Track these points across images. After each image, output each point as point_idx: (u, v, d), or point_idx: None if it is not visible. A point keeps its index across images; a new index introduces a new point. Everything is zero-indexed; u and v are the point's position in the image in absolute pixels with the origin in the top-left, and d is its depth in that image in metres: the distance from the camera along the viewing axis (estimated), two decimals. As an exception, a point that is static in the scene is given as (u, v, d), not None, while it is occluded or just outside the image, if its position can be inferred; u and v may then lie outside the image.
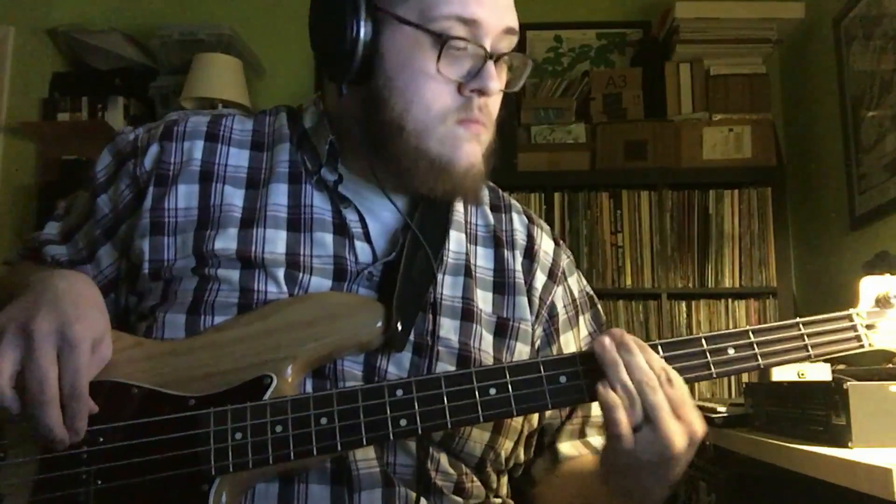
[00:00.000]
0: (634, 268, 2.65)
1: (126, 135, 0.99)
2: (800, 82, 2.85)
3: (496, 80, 0.88)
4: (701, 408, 1.79)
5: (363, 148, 0.92)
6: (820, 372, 1.36)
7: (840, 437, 1.14)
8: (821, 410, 1.21)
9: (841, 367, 1.39)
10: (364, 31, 0.87)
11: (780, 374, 1.42)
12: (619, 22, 3.13)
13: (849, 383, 1.13)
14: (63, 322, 0.77)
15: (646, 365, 0.80)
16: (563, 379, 0.83)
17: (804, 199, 2.72)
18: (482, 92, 0.87)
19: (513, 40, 0.91)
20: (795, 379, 1.38)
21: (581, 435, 1.03)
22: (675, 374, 0.81)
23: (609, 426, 0.79)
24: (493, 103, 0.91)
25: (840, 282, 2.36)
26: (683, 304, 2.62)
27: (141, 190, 0.94)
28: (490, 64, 0.87)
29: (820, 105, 2.64)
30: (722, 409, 1.66)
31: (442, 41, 0.85)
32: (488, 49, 0.87)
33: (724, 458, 1.83)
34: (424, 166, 0.88)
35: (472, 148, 0.89)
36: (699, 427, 0.80)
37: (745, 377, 2.50)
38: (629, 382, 0.79)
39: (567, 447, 1.02)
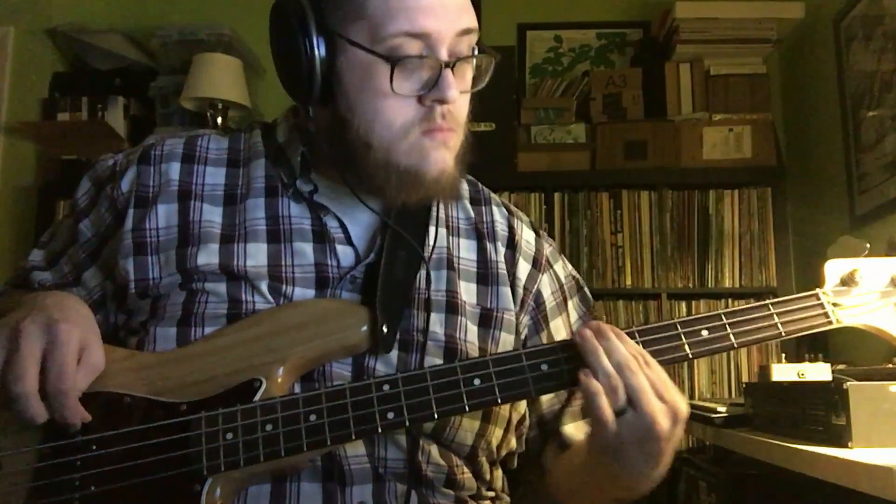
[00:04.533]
0: (634, 268, 2.65)
1: (105, 161, 1.02)
2: (800, 82, 2.85)
3: (455, 87, 0.87)
4: (701, 408, 1.80)
5: (335, 161, 0.93)
6: (820, 372, 1.37)
7: (840, 437, 1.14)
8: (821, 410, 1.21)
9: (841, 367, 1.39)
10: (319, 56, 0.87)
11: (780, 374, 1.42)
12: (619, 22, 3.13)
13: (849, 383, 1.13)
14: (49, 322, 0.80)
15: (623, 349, 0.81)
16: (544, 367, 0.85)
17: (804, 199, 2.72)
18: (442, 101, 0.87)
19: (472, 39, 0.90)
20: (795, 379, 1.38)
21: (585, 414, 1.04)
22: (650, 357, 0.83)
23: (592, 412, 0.80)
24: (460, 105, 0.91)
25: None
26: (683, 304, 2.62)
27: (119, 212, 0.96)
28: (447, 73, 0.86)
29: (820, 105, 2.64)
30: (722, 409, 1.66)
31: (392, 62, 0.85)
32: (444, 58, 0.87)
33: (724, 458, 1.83)
34: (396, 179, 0.89)
35: (440, 155, 0.89)
36: (682, 406, 0.81)
37: (745, 377, 2.51)
38: (610, 368, 0.80)
39: (571, 429, 1.03)
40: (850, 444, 1.12)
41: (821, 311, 0.92)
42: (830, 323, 0.92)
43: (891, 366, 1.38)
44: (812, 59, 2.73)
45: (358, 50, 0.86)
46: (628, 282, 2.64)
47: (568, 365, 0.84)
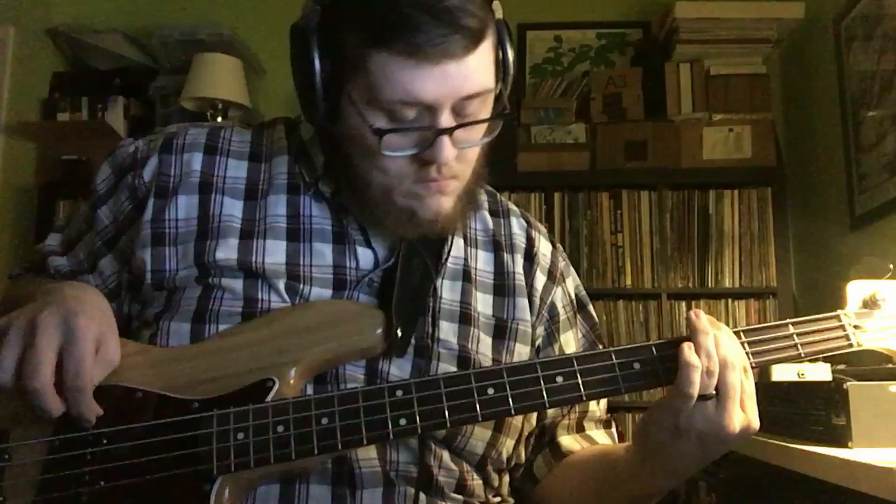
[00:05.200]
0: (634, 268, 2.65)
1: (126, 147, 1.00)
2: (800, 82, 2.85)
3: (448, 150, 0.83)
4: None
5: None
6: (820, 372, 1.37)
7: (840, 437, 1.14)
8: (821, 410, 1.21)
9: (841, 367, 1.39)
10: (324, 91, 0.85)
11: (780, 374, 1.42)
12: (619, 22, 3.13)
13: (849, 383, 1.13)
14: (67, 315, 0.79)
15: (733, 347, 0.82)
16: (559, 379, 0.84)
17: (804, 199, 2.72)
18: (434, 163, 0.85)
19: (485, 98, 0.86)
20: (795, 379, 1.38)
21: (579, 429, 1.04)
22: (749, 368, 0.83)
23: (681, 382, 0.80)
24: (464, 157, 0.88)
25: (840, 282, 2.36)
26: (683, 304, 2.62)
27: (140, 201, 0.95)
28: (442, 139, 0.83)
29: (820, 105, 2.64)
30: (722, 409, 1.66)
31: (379, 135, 0.82)
32: (441, 125, 0.82)
33: (724, 458, 1.83)
34: (394, 216, 0.89)
35: (435, 201, 0.88)
36: (756, 423, 0.82)
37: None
38: (715, 355, 0.81)
39: (567, 440, 1.02)
40: (850, 444, 1.12)
41: (842, 334, 0.90)
42: (851, 346, 0.90)
43: (891, 366, 1.38)
44: (812, 59, 2.73)
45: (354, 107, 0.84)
46: (628, 282, 2.64)
47: (584, 378, 0.84)
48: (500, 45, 0.88)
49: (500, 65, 0.88)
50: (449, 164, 0.85)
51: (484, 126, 0.88)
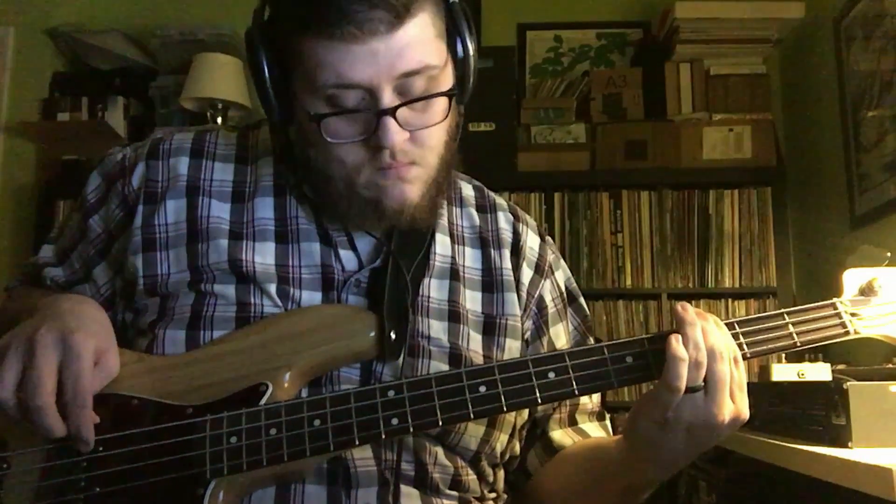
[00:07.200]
0: (634, 268, 2.65)
1: (114, 155, 1.01)
2: (800, 82, 2.85)
3: (395, 132, 0.82)
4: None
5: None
6: (820, 372, 1.37)
7: (840, 437, 1.14)
8: (821, 410, 1.21)
9: (841, 366, 1.39)
10: (276, 91, 0.87)
11: (780, 373, 1.42)
12: (619, 22, 3.13)
13: (849, 383, 1.13)
14: (64, 332, 0.79)
15: (721, 338, 0.81)
16: (551, 374, 0.84)
17: (804, 199, 2.72)
18: (382, 147, 0.84)
19: (431, 74, 0.84)
20: (795, 379, 1.38)
21: (572, 422, 1.04)
22: (740, 358, 0.83)
23: (668, 376, 0.79)
24: (422, 138, 0.86)
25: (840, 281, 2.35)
26: (683, 304, 2.61)
27: (130, 208, 0.96)
28: (385, 120, 0.82)
29: (820, 105, 2.64)
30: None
31: (316, 120, 0.83)
32: (383, 105, 0.82)
33: (724, 458, 1.83)
34: (359, 208, 0.89)
35: (398, 189, 0.87)
36: (745, 413, 0.82)
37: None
38: (703, 346, 0.80)
39: (559, 435, 1.03)
40: (850, 444, 1.12)
41: (838, 322, 0.89)
42: (848, 333, 0.89)
43: (891, 366, 1.38)
44: (812, 59, 2.73)
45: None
46: (628, 282, 2.64)
47: (575, 373, 0.84)
48: (449, 24, 0.87)
49: (452, 45, 0.88)
50: (401, 147, 0.85)
51: (440, 108, 0.86)
